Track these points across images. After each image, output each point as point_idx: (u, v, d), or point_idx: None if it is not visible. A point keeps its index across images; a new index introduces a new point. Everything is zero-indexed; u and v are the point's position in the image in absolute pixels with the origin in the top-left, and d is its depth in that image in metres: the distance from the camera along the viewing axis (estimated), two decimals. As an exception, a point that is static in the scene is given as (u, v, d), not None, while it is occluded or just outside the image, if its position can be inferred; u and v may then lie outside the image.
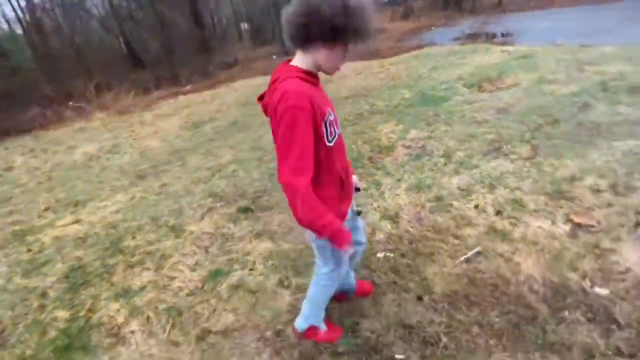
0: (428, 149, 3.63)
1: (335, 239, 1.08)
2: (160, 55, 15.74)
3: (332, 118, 1.09)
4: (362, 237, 1.53)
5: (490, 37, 10.12)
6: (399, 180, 3.05)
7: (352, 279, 1.76)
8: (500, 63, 6.19)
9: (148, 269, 2.37)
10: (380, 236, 2.28)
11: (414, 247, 2.13)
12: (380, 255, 2.11)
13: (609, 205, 2.15)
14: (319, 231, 1.07)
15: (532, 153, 3.03)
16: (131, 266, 2.45)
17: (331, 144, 1.09)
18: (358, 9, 0.97)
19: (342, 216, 1.22)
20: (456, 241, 2.12)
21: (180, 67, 14.93)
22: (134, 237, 2.77)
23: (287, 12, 1.02)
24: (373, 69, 8.95)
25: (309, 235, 1.26)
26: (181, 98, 10.06)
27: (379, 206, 2.62)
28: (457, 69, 6.42)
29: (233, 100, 7.71)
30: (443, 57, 7.71)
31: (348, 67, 10.12)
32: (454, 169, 3.05)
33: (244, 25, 24.43)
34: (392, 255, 2.10)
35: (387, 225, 2.38)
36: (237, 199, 3.12)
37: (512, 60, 6.26)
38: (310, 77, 1.07)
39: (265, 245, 2.38)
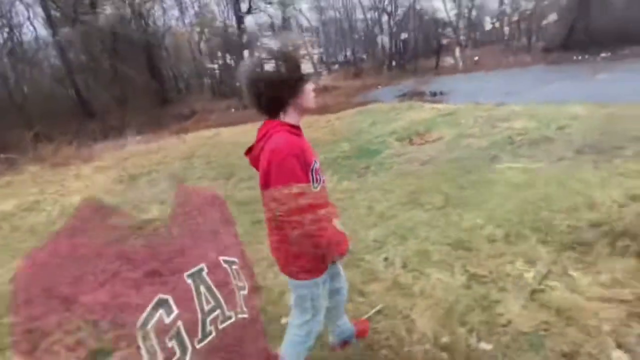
0: (355, 200, 3.74)
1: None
2: (112, 106, 15.50)
3: (317, 166, 1.19)
4: (343, 283, 1.57)
5: (424, 96, 11.28)
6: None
7: (349, 324, 1.70)
8: (429, 119, 6.82)
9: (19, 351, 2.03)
10: (289, 299, 2.19)
11: (319, 308, 2.06)
12: (284, 320, 2.00)
13: (502, 254, 2.28)
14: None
15: (444, 203, 3.22)
16: (1, 349, 2.10)
17: (317, 189, 1.18)
18: (287, 53, 1.12)
19: (324, 268, 1.28)
20: (361, 299, 2.09)
21: (132, 117, 14.72)
22: (17, 312, 2.41)
23: (246, 96, 1.17)
24: (320, 123, 9.42)
25: (290, 284, 1.32)
26: (127, 149, 9.75)
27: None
28: (393, 124, 6.96)
29: (179, 152, 7.60)
30: (383, 113, 8.35)
31: (306, 120, 10.64)
32: (374, 221, 3.13)
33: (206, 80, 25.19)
34: (296, 318, 2.00)
35: (297, 285, 2.30)
36: (148, 261, 2.90)
37: (439, 116, 6.93)
38: (296, 130, 1.17)
39: (165, 314, 2.18)
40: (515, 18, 22.88)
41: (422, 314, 1.86)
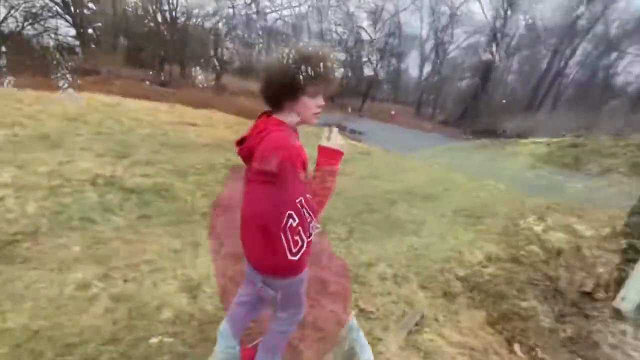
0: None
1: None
2: None
3: (311, 169, 1.14)
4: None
5: (345, 131, 12.10)
6: (222, 244, 2.80)
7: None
8: (347, 153, 7.25)
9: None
10: (167, 314, 1.89)
11: (203, 330, 1.83)
12: (154, 340, 1.70)
13: (388, 293, 2.47)
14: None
15: (348, 235, 3.38)
16: None
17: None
18: (308, 59, 1.07)
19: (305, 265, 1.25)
20: (250, 324, 1.95)
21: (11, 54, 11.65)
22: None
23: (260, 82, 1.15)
24: (244, 127, 9.03)
25: (268, 291, 1.26)
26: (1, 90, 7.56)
27: (182, 274, 2.26)
28: (311, 151, 7.16)
29: (62, 111, 6.21)
30: (306, 136, 8.54)
31: (223, 119, 10.01)
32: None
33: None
34: (171, 340, 1.73)
35: (181, 300, 2.02)
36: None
37: (355, 152, 7.46)
38: (293, 130, 1.16)
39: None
40: (426, 88, 27.08)
41: (311, 346, 1.83)
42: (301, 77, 1.07)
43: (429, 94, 28.35)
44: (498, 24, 22.75)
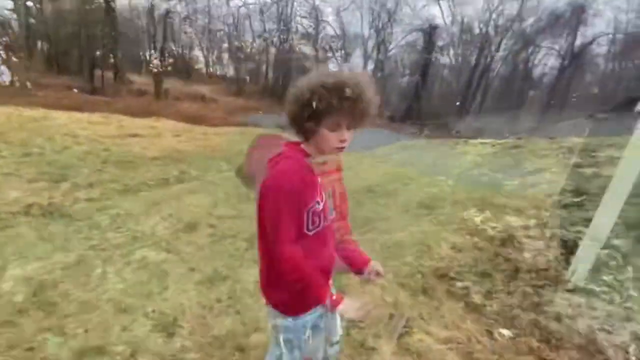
0: (233, 230, 3.43)
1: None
2: None
3: (318, 208, 1.04)
4: (336, 336, 1.41)
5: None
6: (192, 269, 2.60)
7: None
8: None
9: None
10: (143, 358, 1.69)
11: (186, 368, 1.66)
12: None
13: (372, 299, 2.48)
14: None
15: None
16: None
17: (309, 233, 1.06)
18: (325, 88, 0.95)
19: (304, 309, 1.15)
20: (237, 354, 1.82)
21: None
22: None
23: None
24: (195, 134, 8.60)
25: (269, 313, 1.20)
26: None
27: (154, 310, 2.04)
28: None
29: (-28, 130, 5.30)
30: (262, 138, 8.36)
31: (169, 127, 9.35)
32: (254, 256, 2.91)
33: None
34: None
35: (156, 341, 1.82)
36: None
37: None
38: (308, 162, 1.05)
39: None
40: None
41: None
42: (315, 108, 0.96)
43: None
44: (431, 21, 24.36)
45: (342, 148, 1.04)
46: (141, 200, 3.80)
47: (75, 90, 13.91)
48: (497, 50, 25.05)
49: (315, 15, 25.54)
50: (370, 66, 29.17)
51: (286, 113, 1.05)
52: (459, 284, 2.83)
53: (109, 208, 3.42)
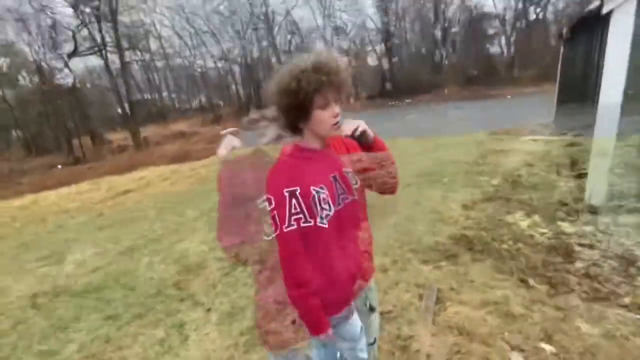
0: (242, 256, 3.33)
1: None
2: None
3: (323, 195, 1.00)
4: (371, 337, 1.35)
5: (281, 138, 11.96)
6: (208, 310, 2.50)
7: None
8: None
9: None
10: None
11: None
12: None
13: (396, 284, 2.38)
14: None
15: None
16: None
17: (323, 224, 1.00)
18: (305, 71, 0.95)
19: (330, 306, 1.06)
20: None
21: None
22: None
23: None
24: (183, 173, 8.53)
25: None
26: None
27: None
28: (263, 167, 6.92)
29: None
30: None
31: (157, 173, 9.29)
32: (269, 275, 2.82)
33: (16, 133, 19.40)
34: None
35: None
36: None
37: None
38: (308, 152, 1.05)
39: None
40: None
41: None
42: (305, 91, 0.95)
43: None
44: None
45: (337, 124, 1.02)
46: (145, 255, 3.72)
47: (59, 167, 13.89)
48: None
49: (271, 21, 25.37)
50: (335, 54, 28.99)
51: (275, 107, 1.04)
52: (480, 242, 2.72)
53: (114, 272, 3.34)
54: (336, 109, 1.02)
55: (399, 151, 6.71)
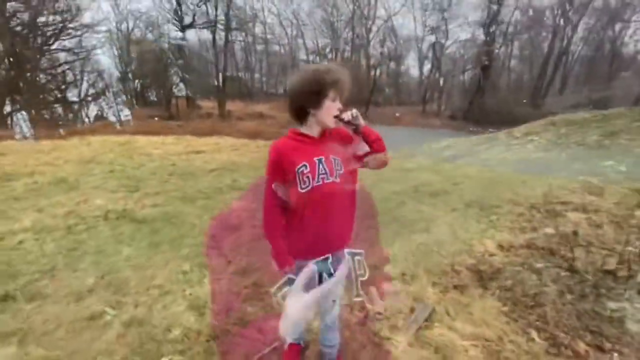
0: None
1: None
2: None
3: (306, 170, 1.27)
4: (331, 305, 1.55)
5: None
6: (229, 262, 2.87)
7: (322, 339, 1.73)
8: (352, 160, 7.30)
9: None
10: (175, 333, 1.95)
11: (209, 346, 1.87)
12: (165, 359, 1.76)
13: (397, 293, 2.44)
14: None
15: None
16: None
17: (303, 191, 1.28)
18: (327, 69, 1.24)
19: (296, 253, 1.37)
20: (258, 335, 1.97)
21: (25, 108, 12.49)
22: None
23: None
24: (251, 148, 9.31)
25: None
26: (8, 144, 8.10)
27: (190, 294, 2.33)
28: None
29: (77, 155, 6.57)
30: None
31: (229, 143, 10.30)
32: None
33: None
34: (180, 358, 1.78)
35: (189, 318, 2.08)
36: (4, 281, 2.32)
37: (361, 159, 7.48)
38: (301, 136, 1.31)
39: (7, 351, 1.72)
40: (428, 86, 26.96)
41: (313, 349, 1.83)
42: (324, 83, 1.24)
43: (432, 91, 28.25)
44: (491, 13, 22.59)
45: (339, 116, 1.29)
46: (197, 205, 4.29)
47: (156, 119, 16.17)
48: (575, 31, 22.06)
49: (366, 23, 25.69)
50: (427, 66, 28.14)
51: (291, 102, 1.31)
52: (499, 283, 2.60)
53: (168, 212, 3.94)
54: (339, 104, 1.29)
55: (457, 174, 6.44)
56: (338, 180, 1.31)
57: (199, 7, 19.76)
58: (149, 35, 20.37)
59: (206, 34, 23.49)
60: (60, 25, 15.83)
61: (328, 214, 1.33)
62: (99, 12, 23.90)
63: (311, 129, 1.33)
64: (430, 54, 27.23)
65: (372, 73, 26.96)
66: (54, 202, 3.98)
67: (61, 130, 8.43)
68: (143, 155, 6.88)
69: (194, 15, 20.16)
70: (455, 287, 2.55)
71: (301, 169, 1.27)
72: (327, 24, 26.41)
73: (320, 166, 1.29)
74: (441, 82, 27.01)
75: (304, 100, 1.27)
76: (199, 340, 1.90)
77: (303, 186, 1.28)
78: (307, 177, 1.28)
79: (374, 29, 26.75)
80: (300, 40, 28.73)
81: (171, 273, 2.60)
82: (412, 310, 2.24)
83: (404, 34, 27.90)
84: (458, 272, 2.77)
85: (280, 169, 1.28)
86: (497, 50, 23.67)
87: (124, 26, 21.36)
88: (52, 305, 2.12)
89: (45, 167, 5.55)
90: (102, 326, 1.96)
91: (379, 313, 2.21)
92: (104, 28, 18.46)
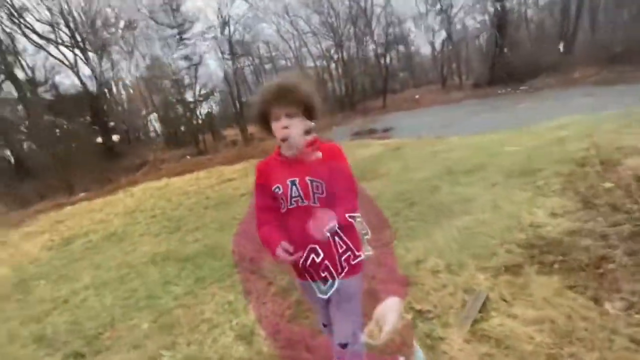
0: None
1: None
2: (53, 164, 14.40)
3: (279, 192, 1.24)
4: (337, 338, 1.34)
5: (374, 133, 11.93)
6: (270, 283, 2.89)
7: None
8: (378, 155, 7.14)
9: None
10: (227, 363, 1.98)
11: (261, 372, 1.87)
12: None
13: (444, 286, 2.29)
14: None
15: (391, 238, 3.25)
16: None
17: (283, 211, 1.28)
18: (263, 90, 1.24)
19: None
20: (307, 355, 1.94)
21: (76, 175, 13.77)
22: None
23: None
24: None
25: None
26: (67, 209, 8.95)
27: (237, 323, 2.36)
28: (344, 161, 7.17)
29: (123, 207, 7.10)
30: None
31: (253, 165, 10.58)
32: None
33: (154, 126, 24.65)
34: (234, 389, 1.80)
35: (239, 348, 2.10)
36: (70, 340, 2.52)
37: (387, 152, 7.29)
38: (280, 156, 1.29)
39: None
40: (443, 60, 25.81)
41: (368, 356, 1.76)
42: (258, 110, 1.24)
43: (449, 64, 27.02)
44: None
45: (285, 134, 1.20)
46: (233, 233, 4.41)
47: (188, 157, 17.07)
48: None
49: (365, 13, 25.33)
50: (438, 40, 27.02)
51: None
52: (557, 255, 2.36)
53: (209, 245, 4.09)
54: (283, 121, 1.20)
55: (492, 143, 6.04)
56: (316, 204, 1.21)
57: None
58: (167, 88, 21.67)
59: (214, 66, 24.53)
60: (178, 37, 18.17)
61: (308, 239, 1.19)
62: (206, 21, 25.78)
63: (284, 149, 1.28)
64: (437, 27, 26.16)
65: (383, 61, 26.42)
66: (107, 256, 4.31)
67: (131, 190, 9.06)
68: (180, 195, 7.26)
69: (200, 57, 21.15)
70: (507, 268, 2.35)
71: (275, 190, 1.25)
72: (326, 26, 26.42)
73: (294, 188, 1.22)
74: (456, 52, 25.77)
75: (260, 125, 1.30)
76: (251, 370, 1.91)
77: (282, 206, 1.28)
78: (282, 198, 1.26)
79: (374, 17, 26.28)
80: (304, 50, 29.00)
81: (217, 305, 2.66)
82: (463, 303, 2.08)
83: (406, 13, 27.09)
84: (509, 251, 2.55)
85: (260, 188, 1.31)
86: (508, 3, 22.08)
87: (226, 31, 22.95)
88: (115, 355, 2.26)
89: (97, 225, 6.06)
90: (160, 369, 2.05)
91: (429, 311, 2.09)
92: (211, 35, 20.73)
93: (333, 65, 26.66)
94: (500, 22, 21.91)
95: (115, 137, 20.29)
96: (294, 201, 1.24)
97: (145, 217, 5.86)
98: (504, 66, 20.27)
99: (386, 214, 3.87)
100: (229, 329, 2.32)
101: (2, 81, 15.45)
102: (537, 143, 5.81)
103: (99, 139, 18.72)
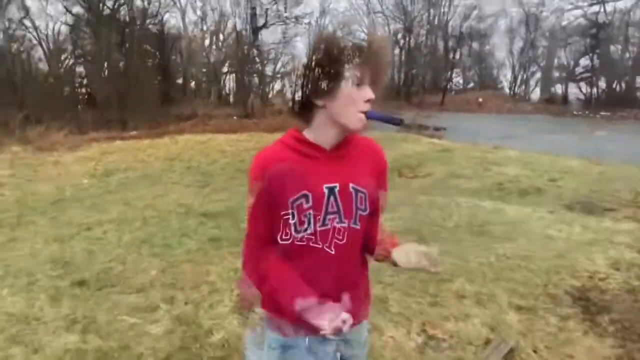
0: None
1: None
2: (114, 99, 15.39)
3: (306, 204, 0.76)
4: None
5: (424, 129, 11.23)
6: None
7: None
8: (423, 153, 6.68)
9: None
10: (217, 337, 1.90)
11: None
12: None
13: (467, 316, 2.01)
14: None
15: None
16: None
17: (297, 236, 0.76)
18: (328, 39, 0.74)
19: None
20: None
21: (132, 112, 14.63)
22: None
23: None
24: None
25: None
26: (117, 143, 9.53)
27: (237, 294, 2.28)
28: (386, 153, 6.81)
29: (165, 153, 7.38)
30: (377, 141, 8.25)
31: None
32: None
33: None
34: (217, 364, 1.71)
35: (233, 322, 2.01)
36: (81, 268, 2.61)
37: (434, 152, 6.80)
38: (304, 145, 0.78)
39: (68, 339, 1.87)
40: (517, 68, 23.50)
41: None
42: (339, 54, 0.71)
43: (524, 72, 24.61)
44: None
45: (366, 114, 0.74)
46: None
47: (235, 117, 17.44)
48: None
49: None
50: (518, 44, 24.56)
51: (291, 95, 0.78)
52: (613, 315, 1.97)
53: (231, 208, 4.08)
54: (370, 93, 0.74)
55: (555, 167, 5.37)
56: (358, 226, 0.80)
57: (271, 7, 20.62)
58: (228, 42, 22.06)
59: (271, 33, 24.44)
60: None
61: (345, 281, 0.81)
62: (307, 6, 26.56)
63: (320, 134, 0.78)
64: (522, 29, 23.67)
65: (451, 56, 24.68)
66: (138, 195, 4.48)
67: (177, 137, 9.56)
68: (218, 152, 7.39)
69: (266, 16, 21.09)
70: (549, 315, 2.00)
71: (298, 202, 0.76)
72: (399, 9, 24.97)
73: (332, 199, 0.77)
74: (536, 60, 23.30)
75: (309, 84, 0.74)
76: (238, 349, 1.81)
77: (299, 228, 0.76)
78: (308, 214, 0.76)
79: (452, 7, 24.35)
80: (371, 30, 27.79)
81: (224, 270, 2.61)
82: (486, 341, 1.80)
83: (490, 8, 24.76)
84: (553, 296, 2.19)
85: (265, 196, 0.77)
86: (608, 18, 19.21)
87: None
88: (118, 295, 2.29)
89: (138, 164, 6.36)
90: (154, 321, 2.03)
91: (443, 339, 1.84)
92: (306, 20, 21.31)
93: (397, 51, 25.34)
94: (596, 34, 19.27)
95: (178, 82, 21.27)
96: (329, 220, 0.78)
97: (181, 167, 6.03)
98: (590, 86, 18.01)
99: (417, 219, 3.58)
100: (228, 298, 2.24)
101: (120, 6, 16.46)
102: (608, 177, 5.05)
103: (158, 83, 19.68)
